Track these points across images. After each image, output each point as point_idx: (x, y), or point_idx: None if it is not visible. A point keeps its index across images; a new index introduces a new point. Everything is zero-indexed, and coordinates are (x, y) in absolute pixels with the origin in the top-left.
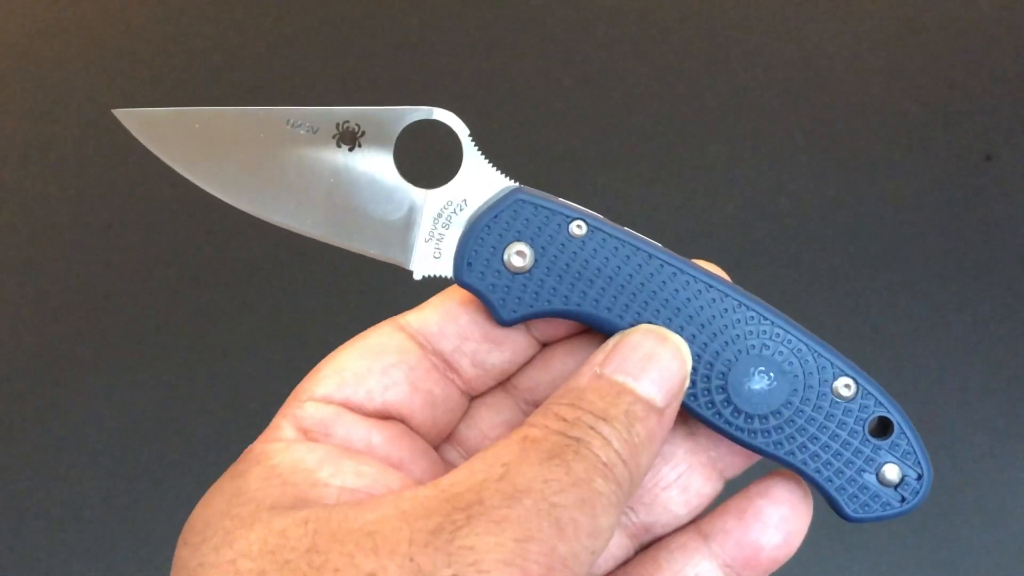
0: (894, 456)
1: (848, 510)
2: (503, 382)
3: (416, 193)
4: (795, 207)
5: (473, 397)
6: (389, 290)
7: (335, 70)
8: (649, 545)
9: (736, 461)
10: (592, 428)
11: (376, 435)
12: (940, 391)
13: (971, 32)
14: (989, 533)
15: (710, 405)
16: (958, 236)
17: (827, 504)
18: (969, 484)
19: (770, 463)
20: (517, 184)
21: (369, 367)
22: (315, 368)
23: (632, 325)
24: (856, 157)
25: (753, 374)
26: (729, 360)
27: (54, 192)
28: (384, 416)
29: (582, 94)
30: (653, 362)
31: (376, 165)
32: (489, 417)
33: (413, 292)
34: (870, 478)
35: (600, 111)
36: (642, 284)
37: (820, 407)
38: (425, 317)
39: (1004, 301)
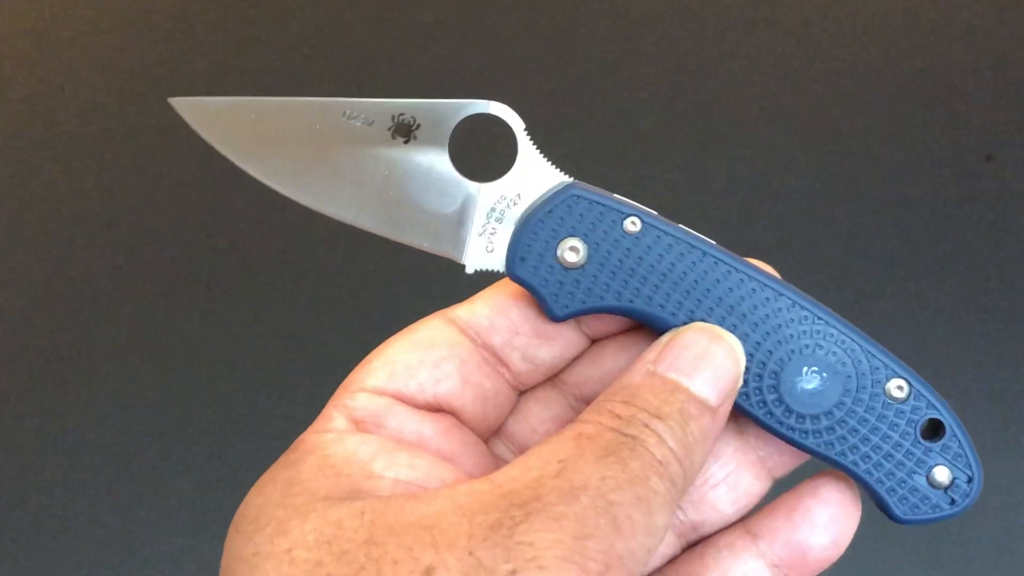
0: (945, 459)
1: (898, 512)
2: (552, 377)
3: (470, 187)
4: (794, 207)
5: (522, 392)
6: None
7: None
8: (696, 543)
9: (785, 460)
10: (647, 426)
11: (428, 428)
12: (939, 391)
13: (971, 32)
14: (989, 533)
15: (762, 404)
16: (958, 236)
17: (875, 505)
18: None
19: (819, 462)
20: (572, 179)
21: (420, 359)
22: (365, 360)
23: (685, 323)
24: (856, 157)
25: (805, 374)
26: (782, 359)
27: (54, 191)
28: (435, 409)
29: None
30: (707, 361)
31: (431, 158)
32: (538, 412)
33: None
34: (920, 480)
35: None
36: (696, 282)
37: (872, 408)
38: (476, 311)
39: (1004, 301)
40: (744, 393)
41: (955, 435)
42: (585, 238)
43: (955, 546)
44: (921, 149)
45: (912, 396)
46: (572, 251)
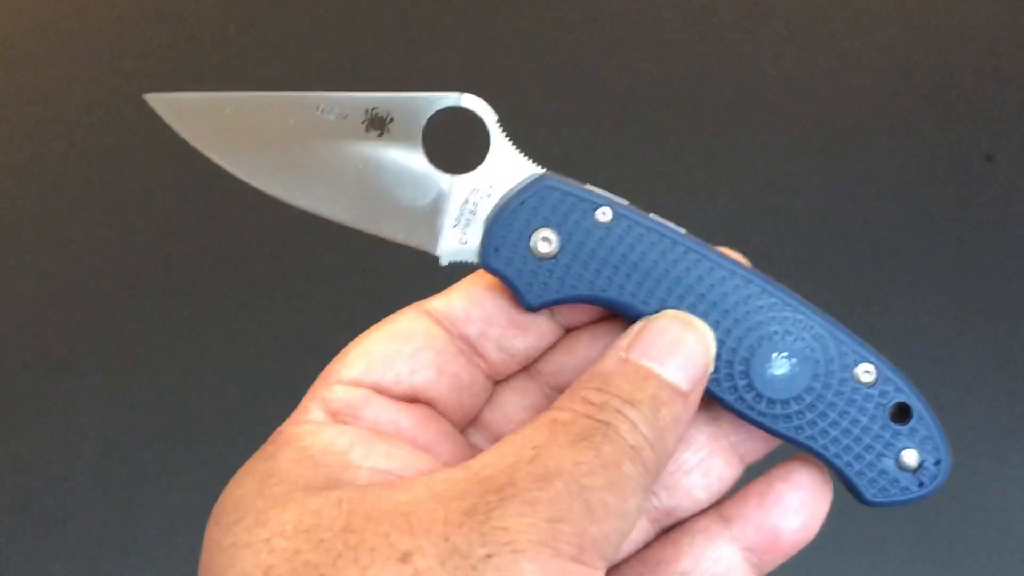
0: (913, 442)
1: (867, 494)
2: (527, 367)
3: (444, 179)
4: (794, 207)
5: (498, 381)
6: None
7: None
8: (670, 529)
9: (757, 446)
10: (619, 412)
11: (404, 418)
12: (939, 391)
13: (971, 32)
14: (989, 533)
15: (732, 390)
16: (958, 236)
17: (846, 488)
18: (969, 484)
19: (791, 448)
20: (544, 170)
21: (397, 351)
22: (342, 352)
23: (657, 311)
24: (856, 157)
25: (775, 359)
26: (752, 346)
27: (54, 191)
28: (411, 399)
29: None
30: (678, 347)
31: (404, 151)
32: (514, 401)
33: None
34: (889, 463)
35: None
36: (667, 270)
37: (841, 392)
38: (451, 302)
39: (1004, 301)
40: (715, 379)
41: (923, 418)
42: (558, 229)
43: (955, 546)
44: (921, 149)
45: (880, 380)
46: (545, 242)
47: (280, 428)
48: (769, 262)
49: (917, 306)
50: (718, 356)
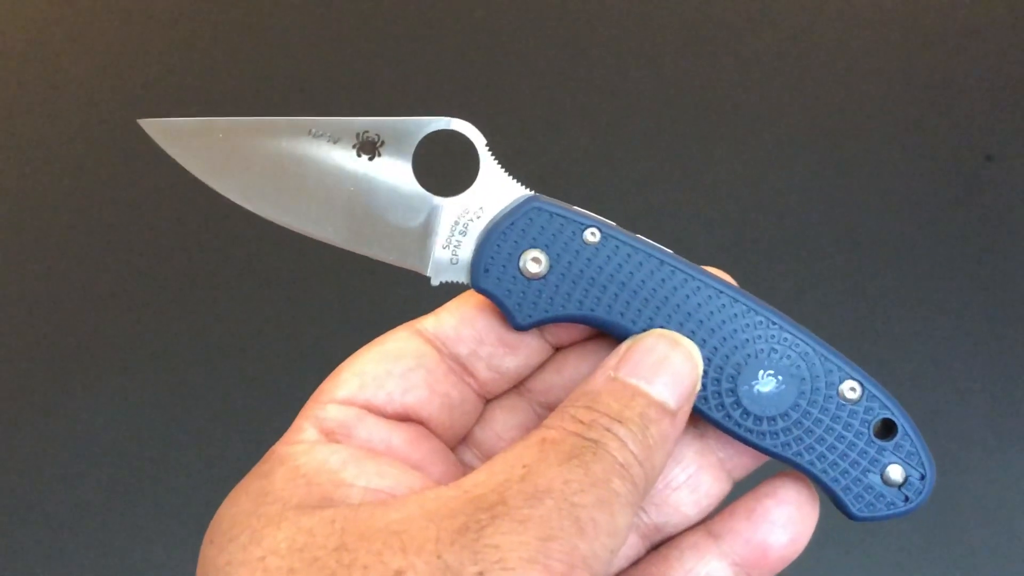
0: (898, 457)
1: (853, 509)
2: (517, 385)
3: (434, 201)
4: (795, 207)
5: (488, 400)
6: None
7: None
8: (660, 545)
9: (744, 462)
10: (608, 430)
11: (396, 437)
12: (939, 391)
13: (971, 32)
14: (989, 533)
15: (720, 407)
16: (958, 236)
17: (833, 504)
18: (969, 484)
19: (778, 464)
20: (533, 192)
21: (389, 370)
22: (335, 371)
23: (644, 330)
24: (856, 157)
25: (762, 377)
26: (738, 364)
27: (56, 192)
28: (403, 418)
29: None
30: (665, 366)
31: (395, 174)
32: (504, 419)
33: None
34: (875, 478)
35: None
36: (654, 290)
37: (827, 409)
38: (442, 322)
39: (1004, 301)
40: (703, 397)
41: (907, 434)
42: (546, 249)
43: (955, 546)
44: (921, 149)
45: (865, 397)
46: (534, 262)
47: (274, 447)
48: (770, 264)
49: (917, 306)
50: (705, 374)
